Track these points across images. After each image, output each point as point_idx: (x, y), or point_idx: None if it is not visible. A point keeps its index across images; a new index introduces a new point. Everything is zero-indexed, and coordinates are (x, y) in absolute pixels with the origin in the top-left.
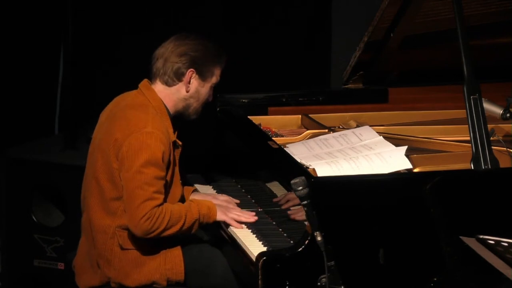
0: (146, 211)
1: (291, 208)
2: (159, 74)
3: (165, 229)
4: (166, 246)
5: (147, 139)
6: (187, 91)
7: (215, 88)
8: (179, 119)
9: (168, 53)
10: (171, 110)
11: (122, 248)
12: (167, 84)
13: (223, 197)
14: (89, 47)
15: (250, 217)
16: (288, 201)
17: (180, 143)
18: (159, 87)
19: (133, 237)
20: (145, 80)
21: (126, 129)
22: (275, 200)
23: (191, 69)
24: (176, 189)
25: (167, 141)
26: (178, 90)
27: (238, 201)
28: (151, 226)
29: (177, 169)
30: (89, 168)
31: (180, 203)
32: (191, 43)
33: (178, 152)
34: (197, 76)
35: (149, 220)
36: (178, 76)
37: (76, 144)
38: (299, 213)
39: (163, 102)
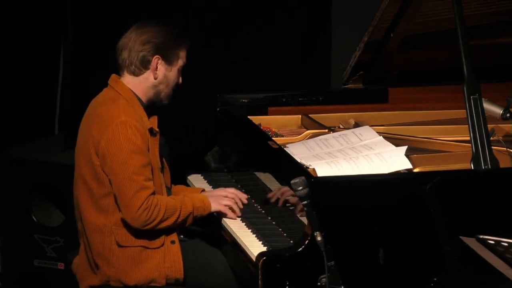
0: (142, 201)
1: (289, 204)
2: (125, 65)
3: (161, 221)
4: (165, 244)
5: (123, 129)
6: (155, 78)
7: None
8: (153, 108)
9: (132, 43)
10: (143, 99)
11: (119, 246)
12: (135, 74)
13: (231, 190)
14: (89, 47)
15: (243, 198)
16: (282, 194)
17: (157, 130)
18: (127, 79)
19: (130, 234)
20: (113, 75)
21: (100, 124)
22: (269, 195)
23: (157, 56)
24: (156, 176)
25: (142, 128)
26: (146, 78)
27: (246, 199)
28: (149, 216)
29: (156, 157)
30: (76, 172)
31: (173, 196)
32: (153, 29)
33: (156, 139)
34: (163, 62)
35: (146, 210)
36: (145, 64)
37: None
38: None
39: (133, 92)
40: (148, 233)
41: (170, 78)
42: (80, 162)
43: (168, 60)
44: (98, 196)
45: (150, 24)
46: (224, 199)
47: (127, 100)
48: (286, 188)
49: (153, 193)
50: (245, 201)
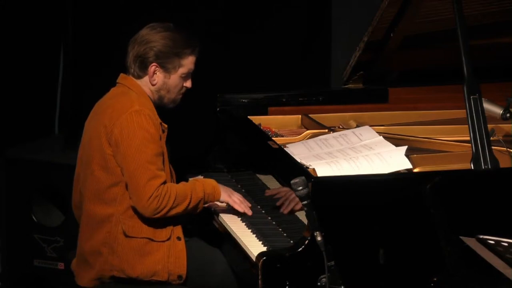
0: (153, 190)
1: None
2: (128, 68)
3: (171, 208)
4: (171, 239)
5: (137, 118)
6: (153, 84)
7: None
8: (161, 109)
9: (136, 47)
10: (151, 98)
11: (126, 236)
12: (135, 77)
13: (238, 195)
14: (89, 48)
15: (248, 208)
16: (284, 198)
17: (165, 126)
18: (132, 80)
19: (137, 225)
20: (122, 74)
21: (113, 114)
22: (268, 192)
23: (154, 64)
24: (166, 169)
25: (155, 118)
26: (147, 82)
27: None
28: (159, 204)
29: (165, 153)
30: (80, 166)
31: (184, 182)
32: (157, 35)
33: (164, 136)
34: (160, 69)
35: (157, 198)
36: (143, 70)
37: (76, 144)
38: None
39: (142, 89)
40: (155, 226)
41: (171, 85)
42: (87, 153)
43: (166, 68)
44: (105, 186)
45: (157, 28)
46: (234, 193)
47: (137, 94)
48: (287, 189)
49: (164, 182)
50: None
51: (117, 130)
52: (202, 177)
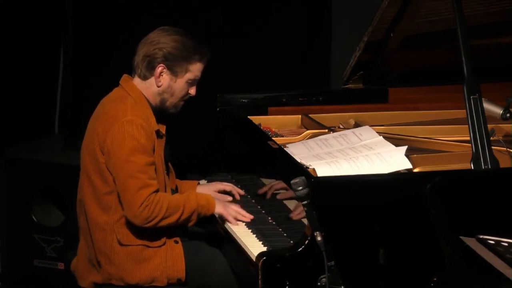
0: (143, 199)
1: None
2: (135, 67)
3: (163, 218)
4: (166, 244)
5: (128, 128)
6: (159, 86)
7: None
8: (162, 115)
9: (146, 47)
10: (152, 103)
11: (121, 244)
12: (141, 77)
13: (234, 206)
14: (89, 48)
15: (247, 216)
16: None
17: (163, 132)
18: (137, 81)
19: (131, 233)
20: (125, 75)
21: (106, 122)
22: (260, 191)
23: (161, 65)
24: (160, 178)
25: (148, 128)
26: (151, 84)
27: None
28: (150, 213)
29: (161, 158)
30: (82, 168)
31: (178, 194)
32: (168, 38)
33: (161, 142)
34: (168, 71)
35: (148, 207)
36: (150, 71)
37: (76, 144)
38: (298, 212)
39: (142, 93)
40: (150, 232)
41: (175, 89)
42: (85, 158)
43: (173, 71)
44: (101, 193)
45: (169, 31)
46: (230, 205)
47: (135, 100)
48: (276, 182)
49: (156, 191)
50: (247, 219)
51: (109, 140)
52: (206, 181)
